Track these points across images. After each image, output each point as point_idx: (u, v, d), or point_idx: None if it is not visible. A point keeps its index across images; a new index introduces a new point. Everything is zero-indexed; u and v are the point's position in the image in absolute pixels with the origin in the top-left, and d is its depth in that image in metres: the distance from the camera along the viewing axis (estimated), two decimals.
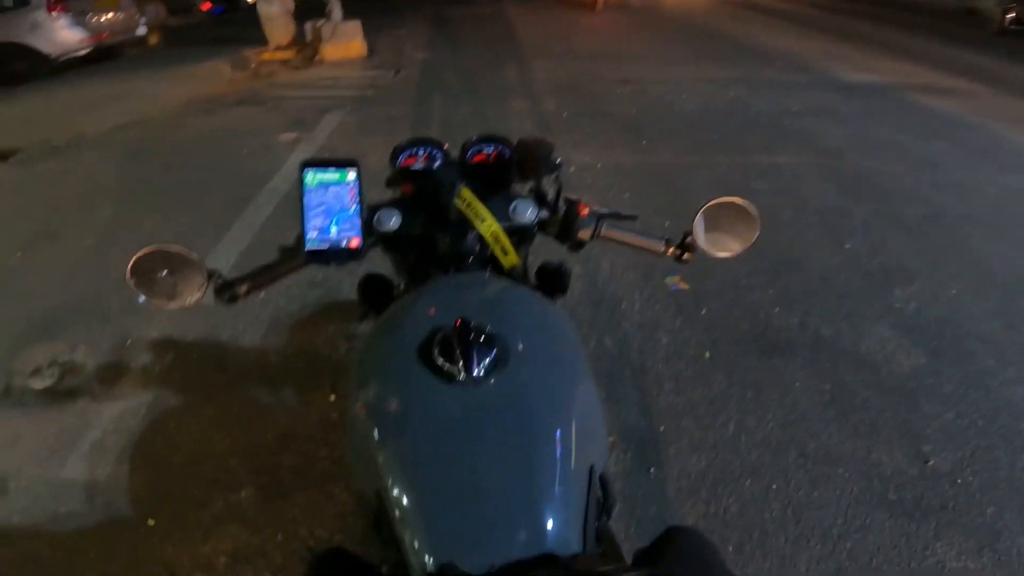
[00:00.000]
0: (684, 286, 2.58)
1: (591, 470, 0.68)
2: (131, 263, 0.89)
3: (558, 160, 1.06)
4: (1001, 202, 3.57)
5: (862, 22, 10.99)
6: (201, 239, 3.03)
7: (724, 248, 1.00)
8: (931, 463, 1.82)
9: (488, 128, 4.54)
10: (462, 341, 0.69)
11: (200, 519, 1.67)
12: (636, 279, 2.64)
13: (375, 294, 1.10)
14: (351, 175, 0.90)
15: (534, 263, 1.17)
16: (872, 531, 1.62)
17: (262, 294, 0.96)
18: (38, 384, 2.18)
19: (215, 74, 7.21)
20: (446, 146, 1.12)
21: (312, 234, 0.89)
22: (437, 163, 1.09)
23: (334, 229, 0.89)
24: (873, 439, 1.91)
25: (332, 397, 2.05)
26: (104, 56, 8.58)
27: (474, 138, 1.13)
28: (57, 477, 1.82)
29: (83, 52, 8.08)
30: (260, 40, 8.35)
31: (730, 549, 1.57)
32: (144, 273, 0.90)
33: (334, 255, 0.90)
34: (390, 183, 1.13)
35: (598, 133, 4.69)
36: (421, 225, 1.03)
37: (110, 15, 8.53)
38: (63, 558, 1.58)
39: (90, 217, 3.41)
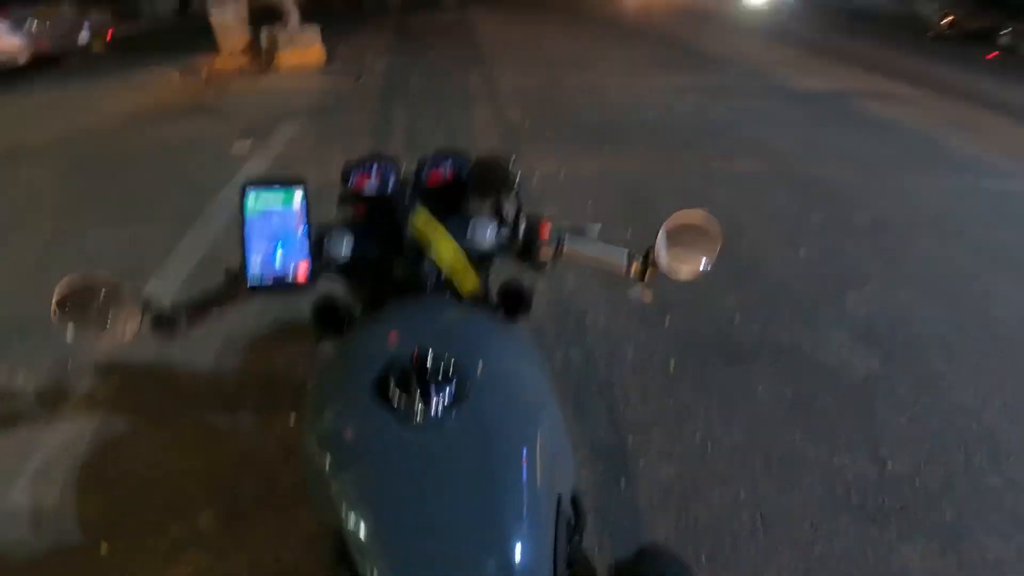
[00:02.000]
0: (646, 299, 2.60)
1: (559, 496, 0.67)
2: (55, 295, 0.79)
3: (517, 177, 1.01)
4: (944, 207, 3.73)
5: (809, 27, 11.40)
6: (149, 254, 2.90)
7: (687, 264, 0.97)
8: (889, 466, 1.87)
9: (451, 138, 4.53)
10: (419, 375, 0.65)
11: (158, 545, 1.59)
12: (600, 290, 2.64)
13: (330, 318, 1.05)
14: (297, 196, 0.84)
15: (495, 282, 1.14)
16: (838, 536, 1.64)
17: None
18: None
19: (164, 83, 6.96)
20: (401, 163, 1.07)
21: (255, 263, 0.82)
22: (391, 182, 1.03)
23: (279, 257, 0.83)
24: (834, 444, 1.95)
25: (293, 418, 1.98)
26: (45, 64, 8.19)
27: (430, 154, 1.08)
28: (0, 506, 1.71)
29: (22, 61, 7.75)
30: (213, 48, 8.09)
31: (703, 559, 1.58)
32: (71, 305, 0.81)
33: (279, 287, 0.83)
34: (342, 202, 1.06)
35: (561, 142, 4.71)
36: (375, 250, 0.97)
37: (52, 21, 8.24)
38: None
39: (31, 232, 3.23)
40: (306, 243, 0.84)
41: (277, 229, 0.83)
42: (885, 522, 1.69)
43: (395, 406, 0.66)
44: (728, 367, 2.27)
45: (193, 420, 2.01)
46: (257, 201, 0.83)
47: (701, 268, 0.97)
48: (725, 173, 4.13)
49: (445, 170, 1.08)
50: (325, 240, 0.94)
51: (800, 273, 2.89)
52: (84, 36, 8.98)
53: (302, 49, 7.64)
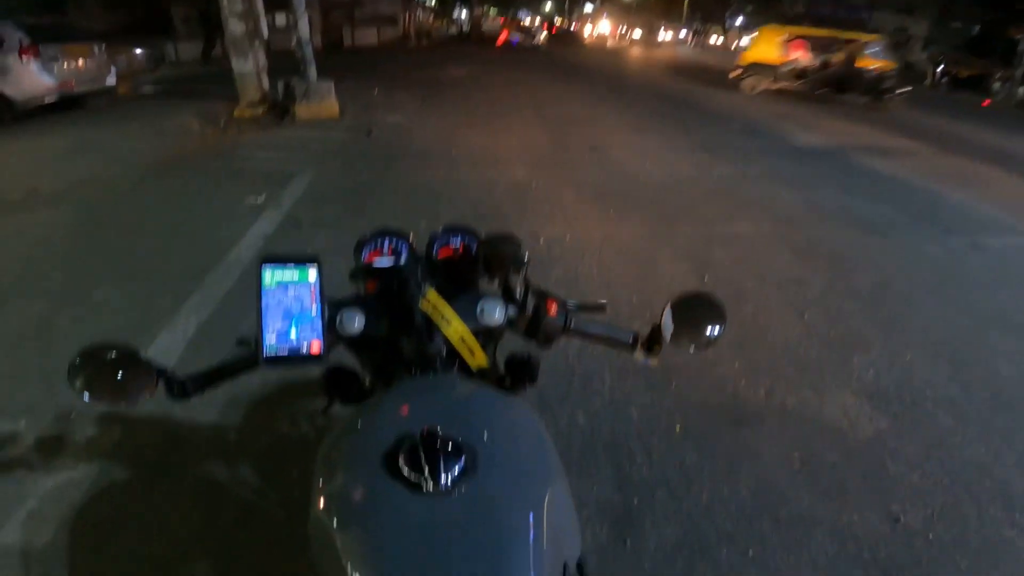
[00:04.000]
0: (653, 362, 2.57)
1: (565, 564, 0.69)
2: (72, 361, 0.83)
3: (525, 256, 1.05)
4: (946, 267, 3.77)
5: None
6: (157, 310, 2.92)
7: (692, 339, 0.99)
8: (901, 521, 1.86)
9: (458, 195, 4.61)
10: (428, 451, 0.67)
11: None
12: (606, 354, 2.64)
13: (341, 387, 1.06)
14: (312, 274, 0.88)
15: (502, 353, 1.16)
16: None
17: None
18: None
19: (183, 130, 7.16)
20: (412, 237, 1.10)
21: (271, 338, 0.85)
22: (403, 257, 1.06)
23: (294, 332, 0.86)
24: (843, 502, 1.94)
25: (296, 475, 1.96)
26: (70, 105, 8.45)
27: (440, 230, 1.12)
28: None
29: (49, 100, 7.97)
30: (232, 96, 8.37)
31: None
32: (87, 370, 0.84)
33: (294, 361, 0.86)
34: (354, 277, 1.10)
35: (566, 205, 4.80)
36: (386, 327, 1.00)
37: (80, 62, 8.48)
38: None
39: (40, 281, 3.26)
40: (320, 319, 0.87)
41: (292, 304, 0.86)
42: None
43: (405, 479, 0.67)
44: (735, 429, 2.27)
45: (194, 474, 2.00)
46: (274, 277, 0.86)
47: (706, 343, 0.99)
48: (725, 236, 4.19)
49: (455, 245, 1.12)
50: (338, 317, 0.97)
51: (805, 337, 2.91)
52: (111, 79, 9.25)
53: (318, 102, 7.89)
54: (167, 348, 2.62)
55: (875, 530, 1.82)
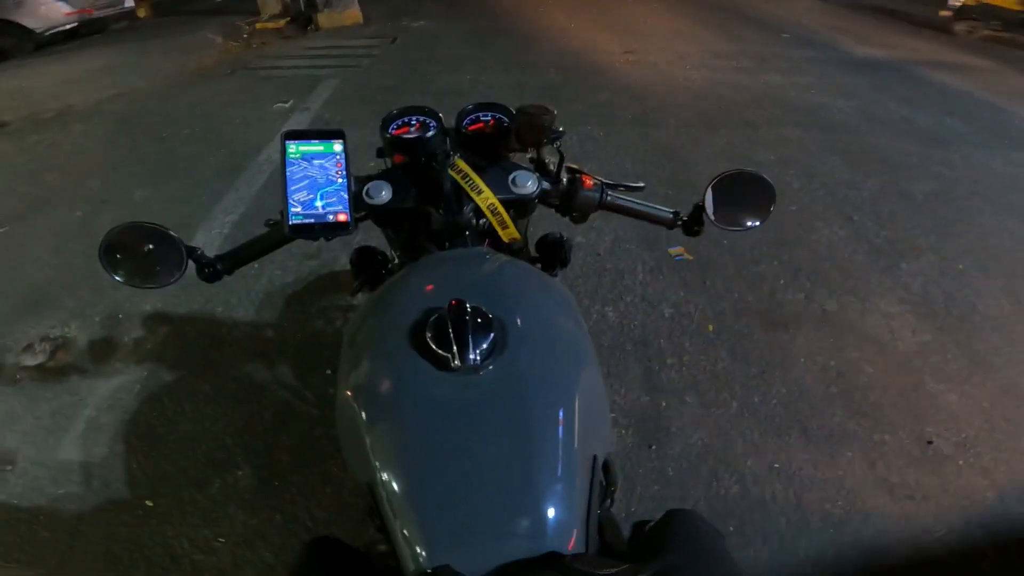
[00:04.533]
0: (688, 256, 2.53)
1: (594, 459, 0.65)
2: (103, 242, 0.84)
3: (560, 128, 0.99)
4: (1010, 179, 3.50)
5: None
6: (193, 209, 2.98)
7: (737, 221, 0.97)
8: (933, 444, 1.80)
9: (486, 96, 4.42)
10: (457, 325, 0.64)
11: (198, 501, 1.65)
12: (639, 251, 2.59)
13: (369, 267, 1.05)
14: (337, 147, 0.86)
15: (534, 234, 1.12)
16: (873, 516, 1.60)
17: (255, 266, 0.93)
18: (30, 361, 2.15)
19: (206, 45, 7.00)
20: (440, 115, 1.05)
21: (296, 208, 0.84)
22: (431, 132, 1.01)
23: (320, 203, 0.85)
24: (876, 419, 1.88)
25: (328, 372, 2.01)
26: (90, 30, 8.30)
27: (470, 106, 1.06)
28: (53, 458, 1.79)
29: (69, 26, 7.83)
30: (253, 10, 8.10)
31: (731, 529, 1.56)
32: (119, 252, 0.86)
33: (321, 230, 0.85)
34: (381, 154, 1.06)
35: (599, 105, 4.58)
36: (414, 198, 0.97)
37: None
38: (64, 540, 1.57)
39: (79, 188, 3.33)
40: (345, 191, 0.85)
41: (318, 177, 0.85)
42: (923, 502, 1.63)
43: (432, 354, 0.65)
44: (770, 333, 2.21)
45: (234, 373, 2.07)
46: (297, 151, 0.85)
47: (751, 224, 0.96)
48: (774, 138, 3.94)
49: (486, 120, 1.06)
50: (365, 188, 0.95)
51: (851, 240, 2.77)
52: (129, 1, 8.97)
53: (340, 10, 7.61)
54: (204, 243, 2.67)
55: (906, 452, 1.77)
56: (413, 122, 1.05)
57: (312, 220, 0.84)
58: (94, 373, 2.10)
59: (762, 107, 4.52)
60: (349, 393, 0.68)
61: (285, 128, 3.96)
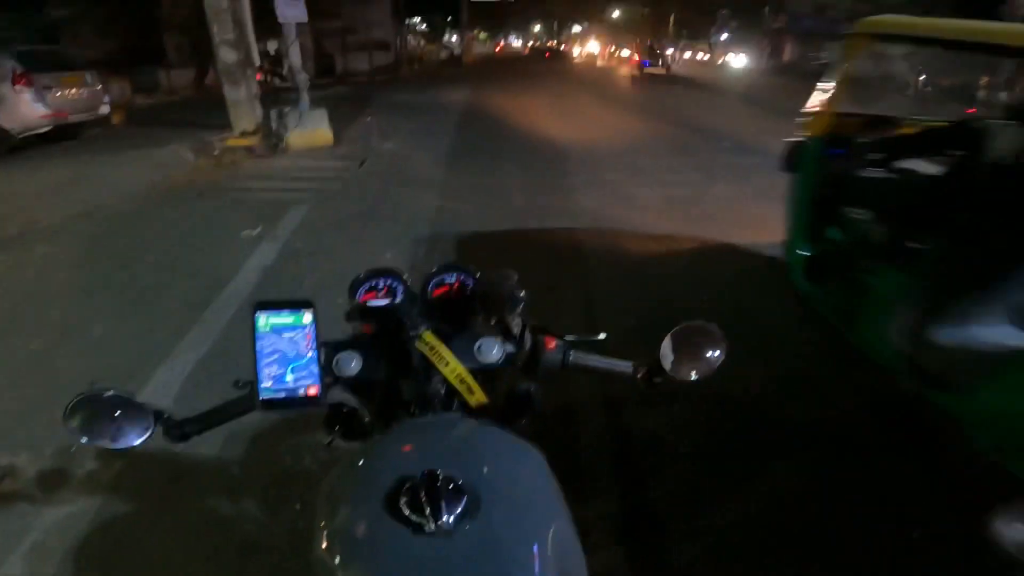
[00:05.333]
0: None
1: None
2: (68, 405, 0.84)
3: (522, 293, 1.04)
4: None
5: (779, 91, 11.66)
6: (155, 345, 2.94)
7: (693, 372, 1.01)
8: None
9: (451, 224, 4.63)
10: (430, 492, 0.68)
11: None
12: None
13: (342, 422, 1.06)
14: (306, 318, 0.88)
15: (501, 388, 1.14)
16: None
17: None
18: None
19: (177, 161, 7.18)
20: (406, 277, 1.11)
21: (267, 383, 0.87)
22: (398, 297, 1.07)
23: (290, 377, 0.87)
24: None
25: (298, 507, 1.98)
26: (64, 135, 8.45)
27: (435, 269, 1.13)
28: None
29: (43, 129, 7.95)
30: (225, 124, 8.36)
31: None
32: (85, 414, 0.85)
33: (292, 403, 0.88)
34: (350, 318, 1.10)
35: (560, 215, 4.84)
36: (383, 369, 1.01)
37: (74, 91, 8.50)
38: None
39: (39, 317, 3.29)
40: (316, 362, 0.89)
41: (287, 348, 0.88)
42: None
43: (407, 519, 0.68)
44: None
45: (197, 506, 2.01)
46: (267, 323, 0.88)
47: (707, 370, 1.01)
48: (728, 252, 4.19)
49: (450, 283, 1.12)
50: (335, 359, 0.98)
51: None
52: (104, 108, 9.28)
53: (311, 131, 7.89)
54: (166, 383, 2.63)
55: None
56: (380, 285, 1.10)
57: (283, 394, 0.87)
58: (44, 501, 2.02)
59: (716, 221, 4.85)
60: (324, 551, 0.70)
61: (256, 257, 4.05)
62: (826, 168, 2.84)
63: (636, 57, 24.43)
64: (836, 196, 2.81)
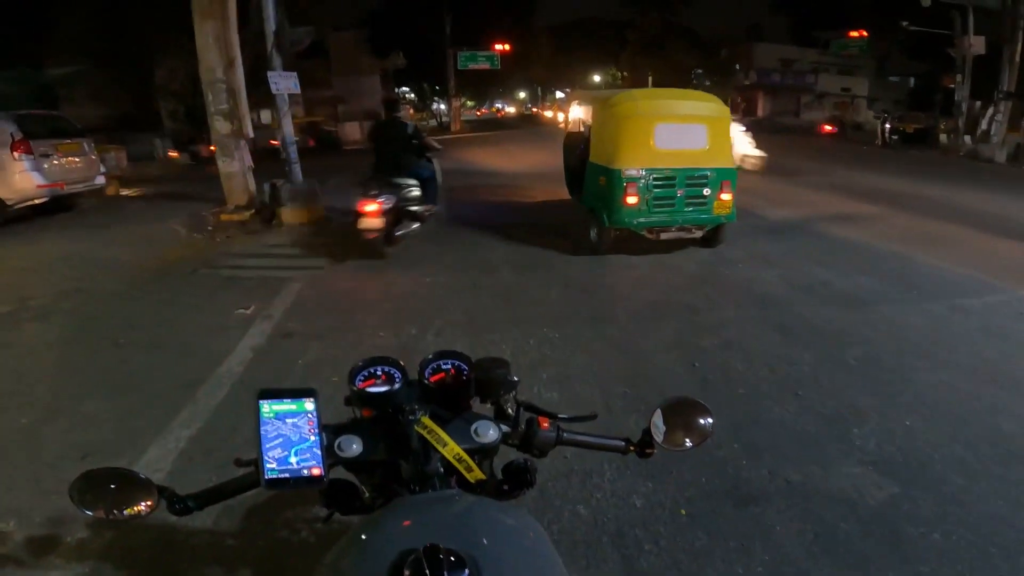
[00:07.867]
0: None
1: None
2: (74, 482, 0.88)
3: (515, 378, 1.11)
4: (930, 330, 3.86)
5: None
6: (147, 423, 2.86)
7: (683, 442, 1.09)
8: None
9: (446, 305, 4.53)
10: (432, 565, 0.68)
11: None
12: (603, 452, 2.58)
13: (341, 498, 1.07)
14: (309, 405, 0.92)
15: (499, 462, 1.18)
16: None
17: (212, 477, 0.94)
18: None
19: (170, 237, 7.19)
20: (404, 366, 1.14)
21: (271, 464, 0.89)
22: (396, 384, 1.10)
23: (294, 459, 0.90)
24: (864, 570, 1.92)
25: None
26: (59, 207, 8.42)
27: (431, 355, 1.16)
28: None
29: (39, 200, 7.82)
30: (219, 198, 8.38)
31: None
32: (90, 490, 0.90)
33: (295, 483, 0.90)
34: (349, 403, 1.14)
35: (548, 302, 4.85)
36: (383, 450, 1.04)
37: (71, 160, 8.40)
38: None
39: (28, 395, 3.22)
40: (319, 445, 0.91)
41: (291, 433, 0.91)
42: None
43: None
44: (741, 509, 2.25)
45: None
46: (271, 410, 0.91)
47: (696, 441, 1.09)
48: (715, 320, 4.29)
49: (447, 368, 1.15)
50: (336, 442, 1.01)
51: (802, 414, 2.90)
52: (100, 179, 9.16)
53: (303, 205, 7.74)
54: (157, 460, 2.57)
55: None
56: (379, 372, 1.13)
57: (287, 475, 0.89)
58: (32, 565, 1.99)
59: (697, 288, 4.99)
60: None
61: (248, 337, 3.97)
62: (571, 148, 7.25)
63: None
64: (572, 157, 6.98)
